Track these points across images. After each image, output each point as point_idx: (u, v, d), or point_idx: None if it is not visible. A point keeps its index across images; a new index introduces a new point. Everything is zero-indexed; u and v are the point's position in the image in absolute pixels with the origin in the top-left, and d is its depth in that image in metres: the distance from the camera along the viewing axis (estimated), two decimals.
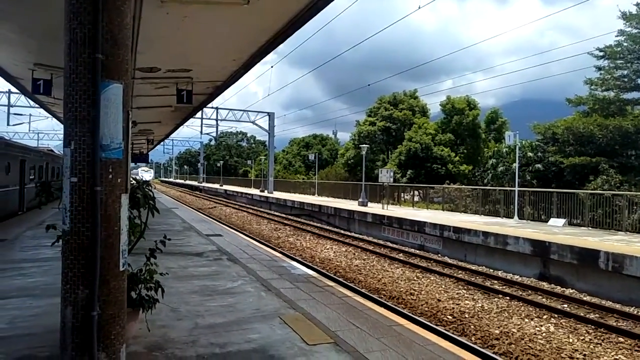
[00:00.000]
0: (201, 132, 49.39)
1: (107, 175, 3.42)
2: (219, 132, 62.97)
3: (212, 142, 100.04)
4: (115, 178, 3.49)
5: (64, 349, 3.48)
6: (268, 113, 45.38)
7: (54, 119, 27.18)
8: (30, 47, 9.40)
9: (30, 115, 47.67)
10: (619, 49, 30.25)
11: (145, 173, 71.94)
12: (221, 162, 77.54)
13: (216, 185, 65.22)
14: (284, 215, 29.98)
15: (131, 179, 4.31)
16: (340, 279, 11.83)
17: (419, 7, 13.59)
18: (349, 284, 11.26)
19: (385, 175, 25.45)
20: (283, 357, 4.22)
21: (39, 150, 25.85)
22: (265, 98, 37.13)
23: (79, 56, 3.31)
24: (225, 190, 55.87)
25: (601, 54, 30.99)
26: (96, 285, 3.38)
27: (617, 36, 30.19)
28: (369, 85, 28.96)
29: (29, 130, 53.33)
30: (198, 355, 4.22)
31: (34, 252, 9.41)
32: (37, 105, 23.70)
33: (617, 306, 10.02)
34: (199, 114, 38.35)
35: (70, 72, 3.33)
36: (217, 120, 45.39)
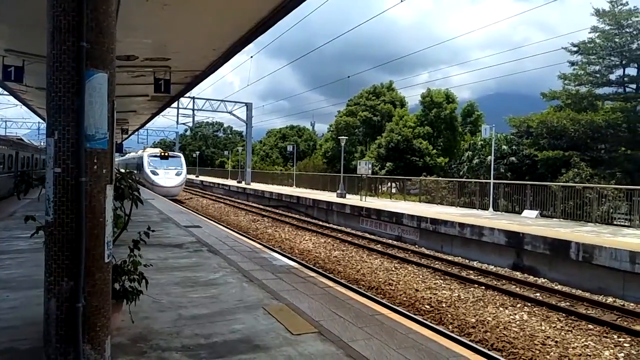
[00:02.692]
0: (177, 122, 48.76)
1: (92, 166, 3.38)
2: (195, 122, 62.09)
3: (188, 133, 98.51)
4: (100, 169, 3.44)
5: (47, 341, 3.43)
6: (246, 103, 44.99)
7: (23, 106, 26.33)
8: (1, 32, 9.10)
9: None
10: (591, 45, 31.07)
11: (162, 164, 32.94)
12: (197, 152, 76.51)
13: (192, 176, 64.37)
14: (262, 207, 29.91)
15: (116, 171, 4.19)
16: (320, 270, 11.93)
17: (401, 1, 13.63)
18: (330, 275, 11.37)
19: (364, 167, 25.63)
20: (269, 347, 4.25)
21: (9, 139, 25.03)
22: (243, 89, 36.99)
23: (62, 44, 3.24)
24: (202, 181, 55.30)
25: (575, 49, 31.78)
26: (81, 276, 3.35)
27: (590, 32, 31.00)
28: (348, 77, 29.04)
29: None
30: (183, 346, 4.22)
31: (8, 244, 9.16)
32: (5, 93, 22.93)
33: (587, 295, 10.40)
34: (175, 104, 37.77)
35: (53, 61, 3.25)
36: (193, 110, 44.85)
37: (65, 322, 3.36)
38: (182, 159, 36.02)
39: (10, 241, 9.49)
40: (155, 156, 34.47)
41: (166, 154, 35.45)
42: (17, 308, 5.14)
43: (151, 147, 62.94)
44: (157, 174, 30.95)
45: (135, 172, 30.79)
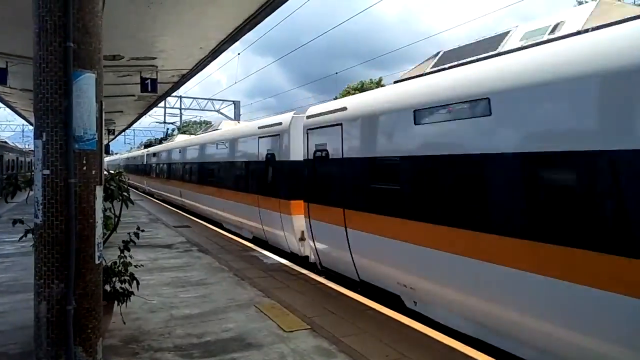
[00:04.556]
0: (164, 122, 48.29)
1: (81, 167, 3.35)
2: (182, 122, 61.50)
3: (176, 132, 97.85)
4: (90, 170, 3.42)
5: (38, 345, 3.41)
6: (233, 102, 44.76)
7: (7, 109, 25.83)
8: None
9: None
10: None
11: None
12: None
13: None
14: None
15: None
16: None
17: None
18: None
19: None
20: (261, 345, 4.27)
21: None
22: (230, 87, 36.78)
23: (49, 45, 3.21)
24: None
25: None
26: (72, 279, 3.33)
27: None
28: (336, 73, 28.96)
29: None
30: (175, 346, 4.21)
31: None
32: None
33: None
34: (162, 103, 37.44)
35: (40, 61, 3.22)
36: (180, 109, 44.53)
37: (56, 325, 3.34)
38: None
39: None
40: None
41: None
42: (4, 313, 5.08)
43: (137, 146, 50.47)
44: None
45: None
